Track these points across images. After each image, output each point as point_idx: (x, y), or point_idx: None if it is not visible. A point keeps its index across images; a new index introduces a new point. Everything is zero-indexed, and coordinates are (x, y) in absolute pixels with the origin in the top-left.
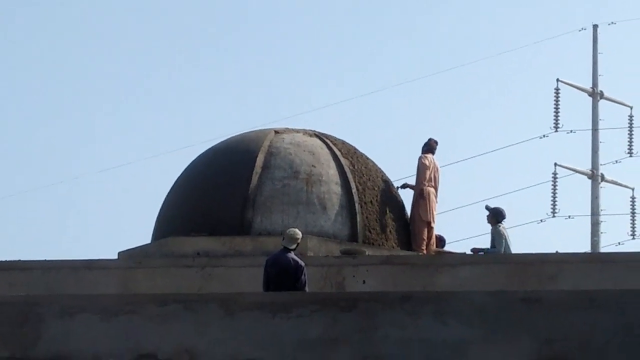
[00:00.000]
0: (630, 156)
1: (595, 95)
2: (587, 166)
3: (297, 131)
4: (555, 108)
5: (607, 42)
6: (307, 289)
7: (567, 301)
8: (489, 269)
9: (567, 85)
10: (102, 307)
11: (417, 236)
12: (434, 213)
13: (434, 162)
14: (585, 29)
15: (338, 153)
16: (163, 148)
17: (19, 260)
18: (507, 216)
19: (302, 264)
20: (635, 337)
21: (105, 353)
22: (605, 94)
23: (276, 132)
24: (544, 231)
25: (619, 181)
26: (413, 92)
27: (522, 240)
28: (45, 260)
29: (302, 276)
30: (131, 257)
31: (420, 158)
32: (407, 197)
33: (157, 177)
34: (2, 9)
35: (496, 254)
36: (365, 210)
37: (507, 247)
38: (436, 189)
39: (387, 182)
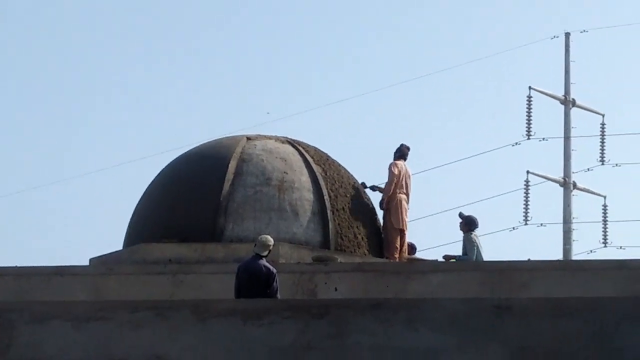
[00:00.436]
0: (602, 164)
1: (568, 103)
2: (559, 174)
3: (269, 138)
4: (527, 115)
5: (579, 50)
6: (278, 295)
7: (539, 309)
8: (461, 277)
9: (539, 93)
10: (73, 314)
11: (389, 244)
12: (406, 220)
13: (406, 169)
14: (557, 37)
15: (310, 160)
16: (135, 154)
17: None
18: (479, 225)
19: (274, 270)
20: (606, 344)
21: (76, 359)
22: (578, 102)
23: (248, 138)
24: (516, 239)
25: (591, 189)
26: (385, 98)
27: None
28: (16, 266)
29: (274, 283)
30: (102, 264)
31: (390, 165)
32: (375, 201)
33: (128, 183)
34: None
35: (468, 261)
36: (337, 217)
37: (479, 254)
38: (408, 196)
39: (359, 189)
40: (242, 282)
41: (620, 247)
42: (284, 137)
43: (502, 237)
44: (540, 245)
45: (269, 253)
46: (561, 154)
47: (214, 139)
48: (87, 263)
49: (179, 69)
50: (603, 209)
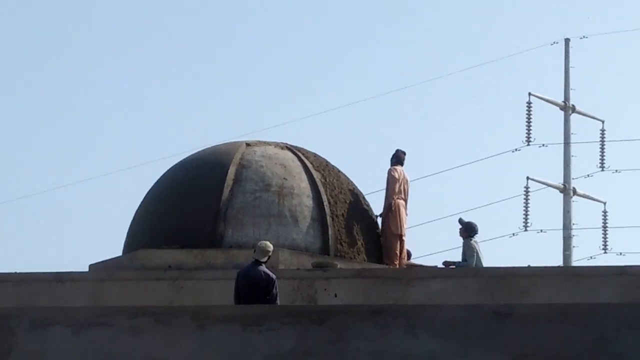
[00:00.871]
0: (602, 170)
1: (567, 109)
2: (559, 180)
3: (269, 144)
4: (527, 122)
5: (579, 56)
6: (278, 301)
7: (539, 315)
8: (460, 283)
9: (539, 99)
10: (73, 320)
11: (388, 250)
12: (405, 226)
13: (403, 174)
14: (557, 43)
15: (310, 166)
16: (134, 161)
17: None
18: (479, 231)
19: (274, 276)
20: (606, 350)
21: None
22: (577, 108)
23: (248, 144)
24: (516, 245)
25: (591, 195)
26: (385, 104)
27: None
28: (16, 272)
29: (274, 289)
30: (102, 270)
31: (389, 171)
32: (378, 210)
33: (128, 189)
34: None
35: (468, 267)
36: (336, 223)
37: (479, 260)
38: (406, 201)
39: (358, 195)
40: (242, 288)
41: (620, 254)
42: (283, 143)
43: (502, 243)
44: (540, 251)
45: (268, 259)
46: (561, 160)
47: (213, 145)
48: (87, 269)
49: (178, 75)
50: (603, 215)
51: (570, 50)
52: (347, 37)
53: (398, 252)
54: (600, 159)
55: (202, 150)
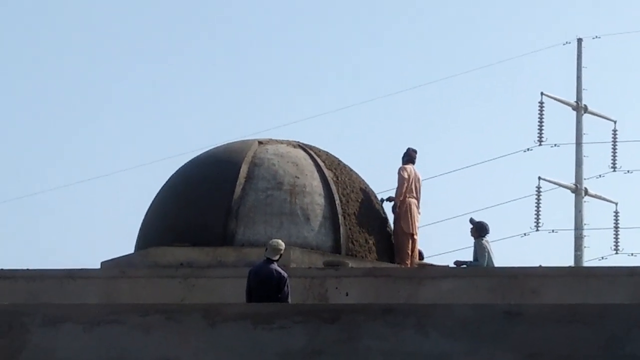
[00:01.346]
0: (614, 170)
1: (580, 109)
2: (570, 180)
3: (281, 142)
4: (539, 121)
5: (592, 56)
6: (289, 300)
7: (550, 315)
8: (471, 282)
9: (551, 99)
10: (85, 317)
11: (400, 249)
12: (416, 224)
13: (415, 173)
14: (569, 43)
15: (322, 164)
16: (147, 158)
17: (2, 269)
18: (490, 231)
19: (285, 275)
20: (616, 351)
21: None
22: (590, 108)
23: (260, 142)
24: (527, 245)
25: (603, 195)
26: (397, 104)
27: (506, 253)
28: (28, 269)
29: (285, 287)
30: (114, 267)
31: (399, 170)
32: (390, 209)
33: (140, 187)
34: None
35: (479, 267)
36: (348, 221)
37: (490, 260)
38: (418, 200)
39: (370, 194)
40: (253, 286)
41: (632, 254)
42: (295, 141)
43: (513, 243)
44: (551, 251)
45: (280, 257)
46: (573, 160)
47: (225, 142)
48: (98, 266)
49: (191, 73)
50: (614, 216)
51: (583, 50)
52: (359, 35)
53: (409, 251)
54: (612, 159)
55: (215, 148)
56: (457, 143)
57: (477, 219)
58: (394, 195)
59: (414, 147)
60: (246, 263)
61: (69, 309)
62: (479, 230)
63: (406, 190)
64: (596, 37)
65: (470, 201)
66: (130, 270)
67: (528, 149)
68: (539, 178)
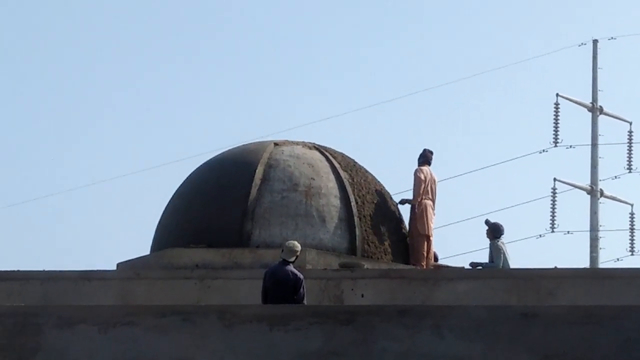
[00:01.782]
0: (630, 172)
1: (595, 110)
2: (586, 181)
3: (297, 143)
4: (554, 123)
5: (607, 57)
6: (305, 302)
7: (566, 317)
8: (487, 284)
9: (566, 100)
10: (100, 318)
11: (415, 250)
12: (432, 226)
13: (430, 174)
14: (585, 44)
15: (337, 166)
16: (162, 159)
17: (18, 271)
18: (505, 232)
19: (301, 276)
20: (632, 353)
21: None
22: (605, 109)
23: (276, 144)
24: (542, 246)
25: (618, 197)
26: (413, 105)
27: (521, 255)
28: (43, 270)
29: (301, 289)
30: (130, 268)
31: (415, 171)
32: (405, 211)
33: (156, 188)
34: None
35: (494, 268)
36: (364, 223)
37: (506, 262)
38: (433, 201)
39: (385, 196)
40: (269, 287)
41: None
42: (311, 143)
43: (529, 244)
44: (566, 253)
45: (296, 259)
46: (588, 161)
47: (241, 144)
48: (114, 268)
49: (208, 74)
50: (630, 217)
51: (598, 51)
52: (375, 36)
53: (425, 253)
54: (627, 161)
55: (230, 150)
56: (473, 144)
57: (492, 221)
58: (410, 197)
59: (430, 148)
60: (262, 264)
61: (84, 310)
62: (494, 231)
63: (423, 191)
64: (612, 38)
65: (486, 202)
66: (145, 271)
67: (543, 150)
68: (555, 179)
